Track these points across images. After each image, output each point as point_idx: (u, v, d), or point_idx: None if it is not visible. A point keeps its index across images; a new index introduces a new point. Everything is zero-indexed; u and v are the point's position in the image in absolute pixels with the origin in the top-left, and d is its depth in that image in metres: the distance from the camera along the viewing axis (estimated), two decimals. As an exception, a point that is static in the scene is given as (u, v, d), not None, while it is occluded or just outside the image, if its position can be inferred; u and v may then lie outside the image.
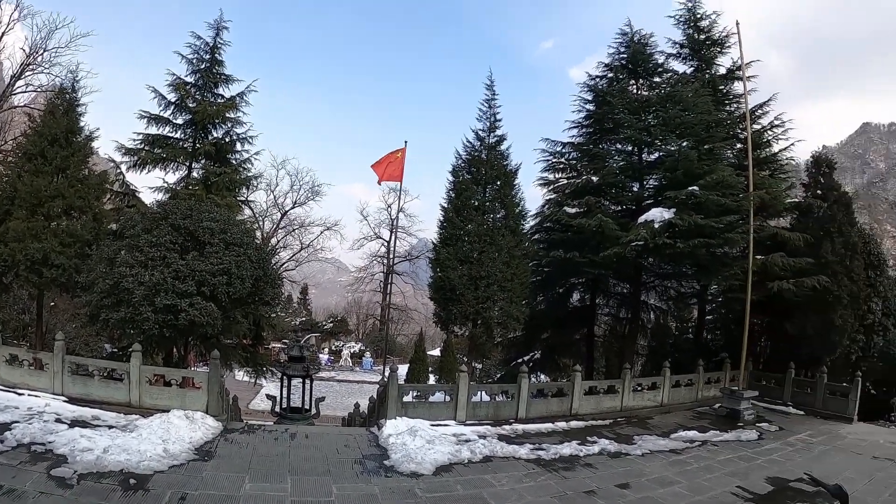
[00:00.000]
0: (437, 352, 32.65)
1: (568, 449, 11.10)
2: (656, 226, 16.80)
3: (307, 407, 15.51)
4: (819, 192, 21.68)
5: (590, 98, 20.70)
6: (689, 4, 22.90)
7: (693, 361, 18.68)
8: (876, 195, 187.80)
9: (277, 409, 15.44)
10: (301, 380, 15.52)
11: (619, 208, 19.79)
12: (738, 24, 18.76)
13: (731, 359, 19.03)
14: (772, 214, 21.66)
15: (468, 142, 19.85)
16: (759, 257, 18.41)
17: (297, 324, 47.45)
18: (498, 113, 19.93)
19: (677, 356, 20.16)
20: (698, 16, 22.77)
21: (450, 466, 9.42)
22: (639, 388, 16.71)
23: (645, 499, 8.68)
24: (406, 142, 21.74)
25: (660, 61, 20.80)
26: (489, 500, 8.01)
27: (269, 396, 16.27)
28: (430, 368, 26.22)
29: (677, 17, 22.96)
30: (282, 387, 15.64)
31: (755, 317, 19.43)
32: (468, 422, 12.64)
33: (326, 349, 50.29)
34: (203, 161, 19.58)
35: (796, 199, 22.33)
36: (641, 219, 17.31)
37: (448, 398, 13.11)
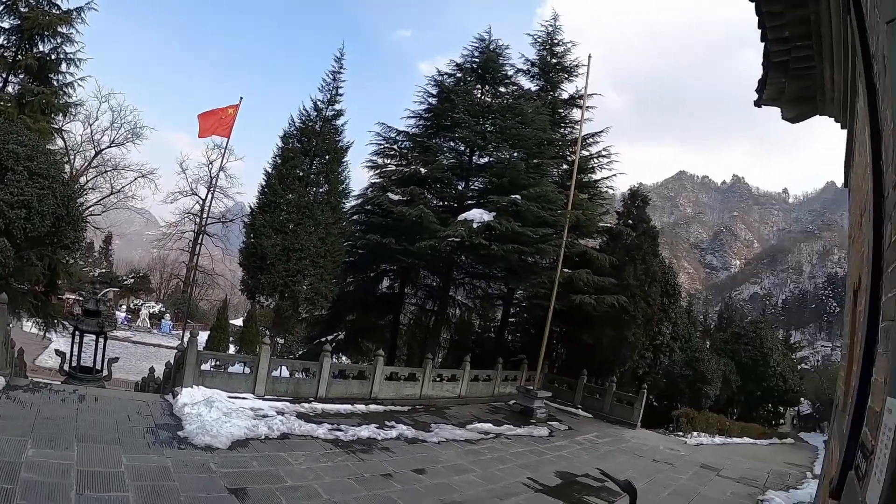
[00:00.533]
0: (240, 322, 31.39)
1: (366, 432, 11.06)
2: (475, 226, 17.41)
3: (99, 367, 14.31)
4: (630, 221, 23.99)
5: (434, 93, 21.05)
6: (550, 29, 24.51)
7: (493, 359, 19.66)
8: (679, 235, 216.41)
9: (66, 367, 14.04)
10: (95, 337, 14.27)
11: (442, 203, 20.28)
12: (590, 57, 20.00)
13: (528, 360, 20.23)
14: (584, 234, 23.47)
15: (305, 110, 19.39)
16: (566, 270, 19.81)
17: (96, 275, 43.50)
18: (341, 87, 19.76)
19: (478, 352, 21.23)
20: (555, 41, 24.44)
21: (246, 441, 9.08)
22: (439, 379, 17.24)
23: (440, 484, 8.82)
24: (241, 98, 20.72)
25: (509, 73, 21.79)
26: (286, 478, 7.76)
27: (58, 352, 15.04)
28: (231, 338, 25.12)
29: (536, 37, 24.52)
30: (73, 343, 14.26)
31: (556, 324, 20.97)
32: (267, 396, 12.33)
33: (124, 307, 46.83)
34: (22, 76, 17.43)
35: (609, 225, 24.47)
36: (461, 217, 17.84)
37: (248, 370, 12.74)
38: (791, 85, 5.88)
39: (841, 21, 4.28)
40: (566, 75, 24.16)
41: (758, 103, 6.31)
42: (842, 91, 5.18)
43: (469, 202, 19.62)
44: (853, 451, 2.50)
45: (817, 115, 6.49)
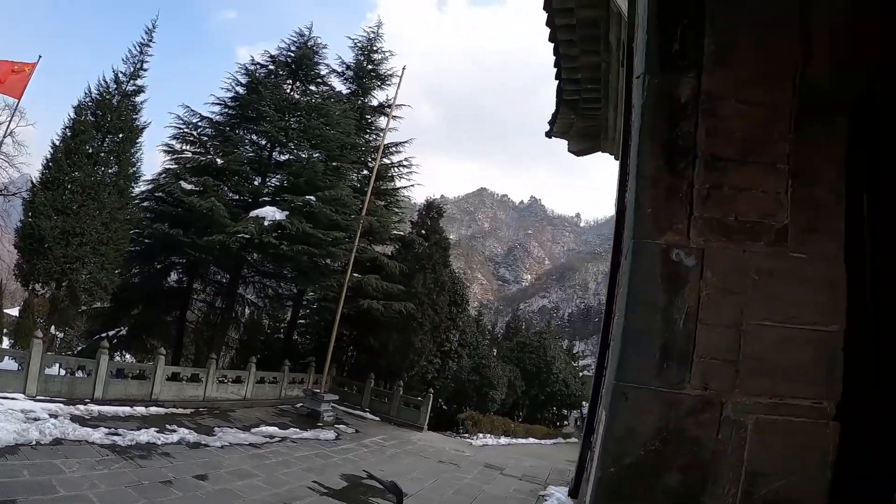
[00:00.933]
0: (16, 312, 27.48)
1: (146, 436, 10.53)
2: (266, 223, 17.17)
3: None
4: (424, 232, 25.23)
5: (244, 82, 20.43)
6: (372, 36, 25.01)
7: (281, 361, 19.34)
8: (475, 248, 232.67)
9: None
10: None
11: (237, 198, 19.71)
12: (404, 68, 20.54)
13: (317, 363, 20.16)
14: (377, 240, 24.08)
15: (104, 81, 17.55)
16: (357, 275, 20.20)
17: None
18: (147, 62, 18.18)
19: (266, 353, 20.83)
20: (375, 48, 25.04)
21: (16, 448, 8.25)
22: (224, 380, 16.68)
23: (222, 490, 8.59)
24: (40, 57, 17.97)
25: (323, 73, 22.04)
26: (59, 487, 7.12)
27: None
28: (5, 330, 21.85)
29: (356, 41, 24.94)
30: None
31: (345, 328, 21.28)
32: (39, 397, 11.42)
33: None
34: None
35: (402, 233, 25.38)
36: (253, 213, 17.47)
37: (20, 367, 11.75)
38: (579, 122, 6.46)
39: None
40: (379, 83, 24.83)
41: (549, 134, 6.85)
42: (620, 133, 5.97)
43: (265, 199, 19.31)
44: (585, 454, 2.91)
45: (600, 152, 7.17)
